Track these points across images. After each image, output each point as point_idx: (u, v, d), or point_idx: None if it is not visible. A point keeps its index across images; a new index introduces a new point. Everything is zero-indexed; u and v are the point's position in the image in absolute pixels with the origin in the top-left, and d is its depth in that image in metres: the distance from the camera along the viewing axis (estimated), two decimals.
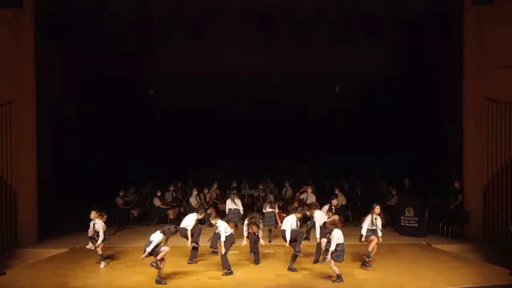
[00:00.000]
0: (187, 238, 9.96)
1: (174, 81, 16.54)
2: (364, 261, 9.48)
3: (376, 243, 9.50)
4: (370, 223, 9.54)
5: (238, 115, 17.34)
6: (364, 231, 9.55)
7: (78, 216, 12.01)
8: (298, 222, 9.62)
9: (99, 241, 9.58)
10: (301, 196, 13.58)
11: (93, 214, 9.59)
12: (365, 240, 9.59)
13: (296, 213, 9.67)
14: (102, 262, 9.74)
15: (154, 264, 8.60)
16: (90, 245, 9.82)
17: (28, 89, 11.36)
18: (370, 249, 9.44)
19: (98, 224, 9.57)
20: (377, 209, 9.55)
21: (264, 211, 11.59)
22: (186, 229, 9.92)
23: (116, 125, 16.95)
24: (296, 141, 17.85)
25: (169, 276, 9.00)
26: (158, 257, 8.60)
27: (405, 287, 8.35)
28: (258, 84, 16.75)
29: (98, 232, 9.57)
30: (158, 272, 8.69)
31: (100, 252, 9.72)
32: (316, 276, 9.02)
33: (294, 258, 9.40)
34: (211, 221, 9.64)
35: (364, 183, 15.92)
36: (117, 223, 13.44)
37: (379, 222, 9.57)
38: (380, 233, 9.59)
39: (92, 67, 15.85)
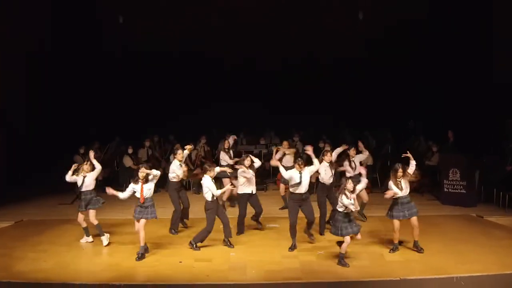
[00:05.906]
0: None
1: (148, 7, 16.01)
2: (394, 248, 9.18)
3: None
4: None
5: (231, 55, 17.07)
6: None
7: (27, 183, 11.93)
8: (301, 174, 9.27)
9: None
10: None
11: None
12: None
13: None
14: (102, 236, 9.60)
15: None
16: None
17: None
18: (396, 239, 9.03)
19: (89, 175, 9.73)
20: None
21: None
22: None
23: (73, 69, 16.65)
24: (306, 86, 17.58)
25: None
26: None
27: (448, 271, 8.24)
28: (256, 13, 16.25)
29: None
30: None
31: (95, 222, 9.60)
32: (333, 258, 8.89)
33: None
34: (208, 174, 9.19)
35: (397, 138, 15.78)
36: (77, 189, 13.29)
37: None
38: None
39: None
